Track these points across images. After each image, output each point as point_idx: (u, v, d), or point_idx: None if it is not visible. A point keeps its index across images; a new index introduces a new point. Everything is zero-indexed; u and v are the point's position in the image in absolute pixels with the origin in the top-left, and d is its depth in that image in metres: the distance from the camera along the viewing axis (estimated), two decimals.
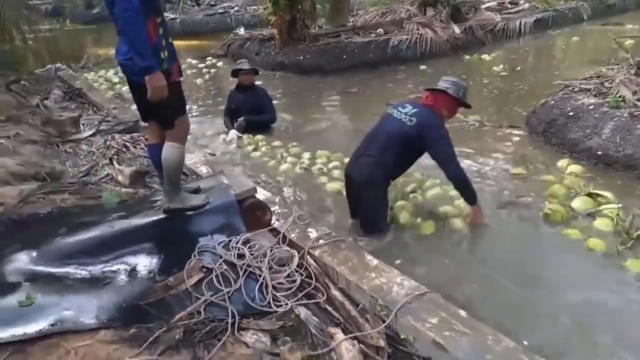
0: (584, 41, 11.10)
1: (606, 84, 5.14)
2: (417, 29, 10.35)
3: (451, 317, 2.30)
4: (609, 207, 3.55)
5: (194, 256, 2.67)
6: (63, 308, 2.22)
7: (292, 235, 3.05)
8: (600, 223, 3.48)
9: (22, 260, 2.54)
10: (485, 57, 9.57)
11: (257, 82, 6.25)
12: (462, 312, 2.34)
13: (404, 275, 2.64)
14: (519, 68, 8.77)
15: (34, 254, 2.60)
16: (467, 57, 9.78)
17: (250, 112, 6.01)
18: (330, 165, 4.86)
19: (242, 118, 5.96)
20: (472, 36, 10.86)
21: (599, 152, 4.34)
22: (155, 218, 2.89)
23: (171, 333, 2.15)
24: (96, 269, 2.54)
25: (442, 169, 3.42)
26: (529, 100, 6.07)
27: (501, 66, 8.70)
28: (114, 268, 2.55)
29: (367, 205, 3.50)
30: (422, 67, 9.22)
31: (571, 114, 4.79)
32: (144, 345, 2.06)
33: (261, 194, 3.58)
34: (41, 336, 2.04)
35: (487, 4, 12.90)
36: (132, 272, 2.55)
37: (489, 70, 8.67)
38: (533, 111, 5.39)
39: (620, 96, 4.71)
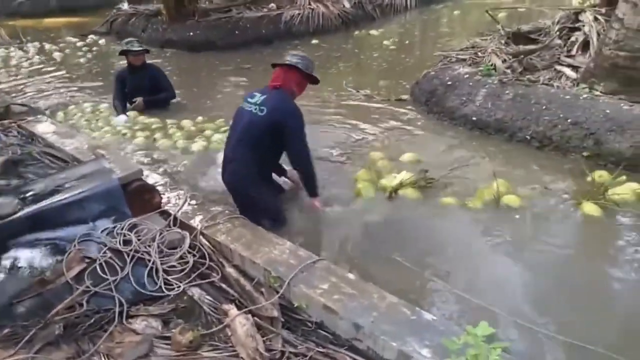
0: (465, 14, 11.83)
1: (479, 53, 5.55)
2: (309, 4, 10.38)
3: (340, 281, 2.40)
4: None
5: (74, 246, 2.52)
6: None
7: (185, 216, 2.99)
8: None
9: None
10: (374, 32, 9.87)
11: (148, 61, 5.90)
12: (351, 275, 2.46)
13: (297, 246, 2.71)
14: (407, 42, 9.17)
15: None
16: (356, 32, 10.01)
17: (147, 92, 5.70)
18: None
19: (140, 98, 5.65)
20: (362, 11, 11.11)
21: (474, 118, 4.70)
22: (29, 210, 2.66)
23: (49, 329, 2.03)
24: None
25: (292, 160, 3.34)
26: (416, 73, 6.38)
27: (390, 40, 9.03)
28: None
29: (257, 210, 3.29)
30: (314, 41, 9.30)
31: (449, 83, 5.11)
32: (19, 344, 1.91)
33: (151, 177, 3.45)
34: None
35: None
36: (4, 269, 2.34)
37: (379, 44, 8.95)
38: (416, 82, 5.68)
39: (491, 64, 5.10)
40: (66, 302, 2.18)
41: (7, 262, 2.40)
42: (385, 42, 8.94)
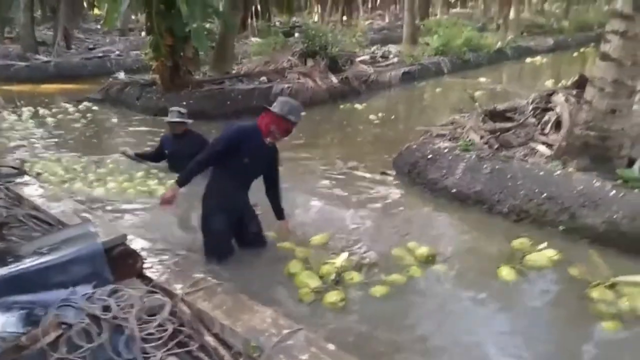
0: (445, 92, 12.46)
1: (459, 129, 5.82)
2: (299, 78, 10.88)
3: (321, 352, 2.40)
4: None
5: (52, 311, 2.49)
6: None
7: (167, 282, 2.99)
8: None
9: None
10: (358, 106, 10.33)
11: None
12: (331, 346, 2.45)
13: (278, 314, 2.71)
14: (391, 116, 9.56)
15: None
16: (341, 105, 10.45)
17: (187, 158, 5.78)
18: None
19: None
20: (348, 86, 11.66)
21: (454, 190, 4.86)
22: (7, 272, 2.65)
23: None
24: None
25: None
26: (399, 146, 6.64)
27: (374, 115, 9.42)
28: None
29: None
30: (302, 113, 9.61)
31: (430, 156, 5.33)
32: None
33: (135, 241, 3.47)
34: None
35: (362, 57, 13.96)
36: None
37: (364, 117, 9.33)
38: (399, 154, 5.90)
39: (469, 140, 5.35)
40: None
41: None
42: (370, 117, 9.31)
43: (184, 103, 9.38)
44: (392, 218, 4.68)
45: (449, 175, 5.00)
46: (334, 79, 11.43)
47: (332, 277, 3.53)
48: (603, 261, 3.60)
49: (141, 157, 6.20)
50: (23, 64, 15.08)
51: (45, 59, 15.75)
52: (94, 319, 2.55)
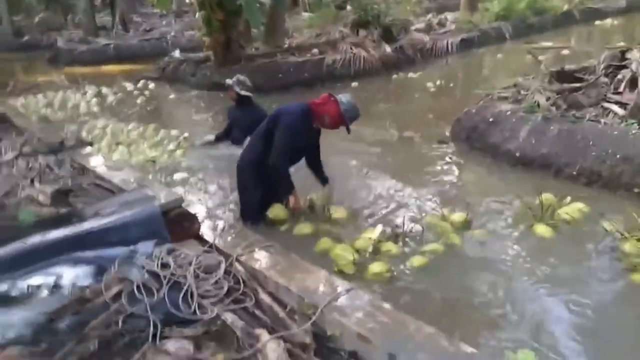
0: (507, 58, 11.82)
1: (522, 92, 5.48)
2: (351, 49, 10.65)
3: (376, 311, 2.34)
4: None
5: (113, 267, 2.57)
6: None
7: (222, 243, 3.02)
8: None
9: None
10: (412, 75, 9.98)
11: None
12: (386, 305, 2.38)
13: (331, 275, 2.67)
14: (448, 84, 9.19)
15: None
16: (394, 75, 10.15)
17: (245, 129, 5.69)
18: None
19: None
20: (402, 55, 11.31)
21: (517, 154, 4.60)
22: (73, 232, 2.76)
23: (84, 345, 2.05)
24: (6, 286, 2.39)
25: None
26: (457, 113, 6.37)
27: (431, 83, 9.09)
28: (26, 284, 2.41)
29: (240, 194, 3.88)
30: (354, 84, 9.50)
31: (491, 120, 5.06)
32: (55, 358, 1.94)
33: (192, 206, 3.53)
34: None
35: (417, 26, 13.48)
36: (46, 287, 2.42)
37: (420, 86, 9.03)
38: (457, 119, 5.65)
39: (534, 101, 5.03)
40: (101, 318, 2.20)
41: (51, 279, 2.47)
42: (427, 84, 9.00)
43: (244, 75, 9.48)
44: (438, 185, 4.50)
45: (512, 138, 4.73)
46: (388, 48, 11.11)
47: (369, 249, 3.40)
48: None
49: (217, 140, 6.07)
50: (85, 47, 15.75)
51: (105, 42, 16.36)
52: (154, 275, 2.61)
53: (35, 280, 2.47)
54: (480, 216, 3.81)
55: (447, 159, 5.12)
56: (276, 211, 3.75)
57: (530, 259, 3.30)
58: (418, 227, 3.61)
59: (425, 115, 7.18)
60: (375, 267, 3.16)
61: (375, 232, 3.47)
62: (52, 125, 6.72)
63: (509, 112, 5.05)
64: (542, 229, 3.53)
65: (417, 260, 3.26)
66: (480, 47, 13.09)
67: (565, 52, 10.11)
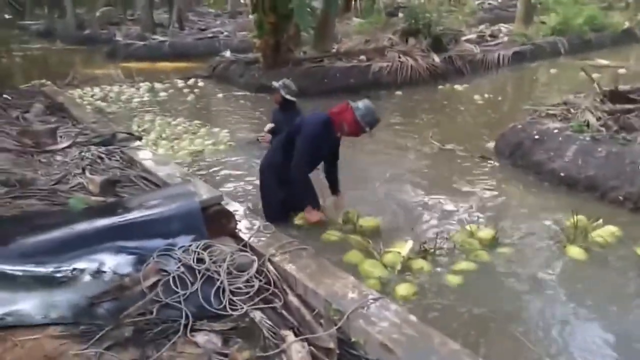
0: (561, 73, 11.48)
1: (572, 110, 5.33)
2: (399, 57, 10.63)
3: (401, 322, 2.34)
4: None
5: (152, 259, 2.69)
6: (14, 304, 2.23)
7: (256, 243, 3.10)
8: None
9: None
10: (458, 87, 9.85)
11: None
12: (412, 317, 2.39)
13: (359, 282, 2.69)
14: (497, 98, 9.02)
15: None
16: (441, 86, 10.04)
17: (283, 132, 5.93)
18: None
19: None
20: (451, 66, 11.17)
21: (562, 174, 4.48)
22: (116, 221, 2.91)
23: (120, 331, 2.16)
24: (53, 268, 2.54)
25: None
26: (501, 128, 6.26)
27: (478, 95, 8.94)
28: (71, 268, 2.56)
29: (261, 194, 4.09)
30: (398, 92, 9.47)
31: (537, 137, 4.95)
32: (91, 341, 2.06)
33: (231, 204, 3.63)
34: None
35: (468, 36, 13.30)
36: (89, 272, 2.56)
37: (466, 99, 8.91)
38: (502, 134, 5.55)
39: (584, 121, 4.88)
40: (137, 306, 2.32)
41: (94, 265, 2.61)
42: (475, 97, 8.86)
43: (289, 79, 9.64)
44: (473, 201, 4.41)
45: (557, 157, 4.61)
46: (436, 58, 11.01)
47: (399, 267, 3.37)
48: None
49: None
50: (141, 43, 16.40)
51: (161, 39, 17.00)
52: (189, 269, 2.72)
53: (80, 264, 2.61)
54: (512, 234, 3.76)
55: (487, 174, 5.04)
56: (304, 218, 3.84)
57: (559, 280, 3.26)
58: (448, 244, 3.58)
59: (469, 129, 7.08)
60: (402, 290, 3.14)
61: (406, 248, 3.44)
62: (106, 118, 7.02)
63: (556, 130, 4.92)
64: (574, 251, 3.50)
65: (452, 280, 3.24)
66: (533, 61, 12.78)
67: (622, 71, 9.74)
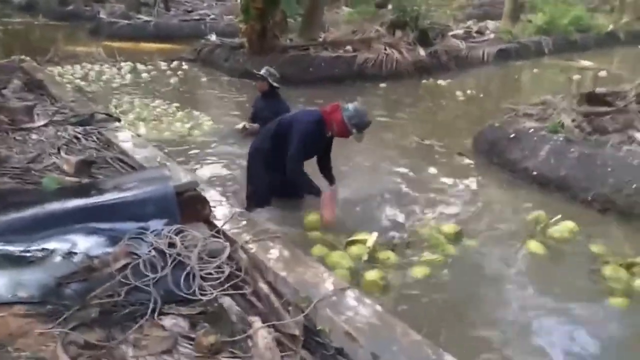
0: (543, 73, 11.63)
1: (549, 110, 5.44)
2: (385, 49, 10.64)
3: (366, 311, 2.40)
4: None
5: (123, 241, 2.69)
6: None
7: (230, 230, 3.12)
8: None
9: None
10: (441, 82, 9.93)
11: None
12: (378, 307, 2.44)
13: (330, 272, 2.74)
14: (478, 94, 9.12)
15: None
16: (424, 80, 10.10)
17: (267, 120, 5.87)
18: None
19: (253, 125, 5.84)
20: (437, 60, 11.23)
21: (535, 173, 4.58)
22: (89, 202, 2.90)
23: (86, 311, 2.17)
24: (22, 247, 2.54)
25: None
26: (480, 125, 6.34)
27: (460, 92, 9.01)
28: (40, 247, 2.55)
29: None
30: (383, 85, 9.51)
31: (513, 135, 5.04)
32: (57, 320, 2.07)
33: (206, 190, 3.63)
34: None
35: (455, 32, 13.35)
36: (58, 252, 2.55)
37: (449, 94, 8.98)
38: (480, 132, 5.64)
39: (559, 122, 4.98)
40: (103, 288, 2.33)
41: (65, 246, 2.60)
42: (457, 93, 8.93)
43: (273, 66, 9.60)
44: (443, 195, 4.52)
45: (531, 157, 4.71)
46: (422, 52, 11.06)
47: (365, 257, 3.44)
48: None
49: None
50: (125, 22, 16.10)
51: (146, 18, 16.70)
52: (160, 253, 2.73)
53: (50, 244, 2.61)
54: (478, 229, 3.90)
55: (463, 171, 5.13)
56: (311, 218, 3.84)
57: (518, 272, 3.43)
58: (414, 236, 3.67)
59: (449, 125, 7.18)
60: (371, 275, 3.20)
61: (371, 240, 3.49)
62: (85, 97, 6.91)
63: (532, 130, 5.02)
64: (533, 246, 3.64)
65: (418, 271, 3.31)
66: (517, 59, 12.90)
67: (603, 73, 9.90)
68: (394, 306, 2.98)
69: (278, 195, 4.14)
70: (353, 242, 3.57)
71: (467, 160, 5.42)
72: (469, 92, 9.03)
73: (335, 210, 3.78)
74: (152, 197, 3.04)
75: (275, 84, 5.77)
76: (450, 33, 12.97)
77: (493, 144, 5.22)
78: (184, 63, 11.00)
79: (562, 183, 4.40)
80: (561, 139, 4.71)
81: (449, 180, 4.78)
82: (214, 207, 3.39)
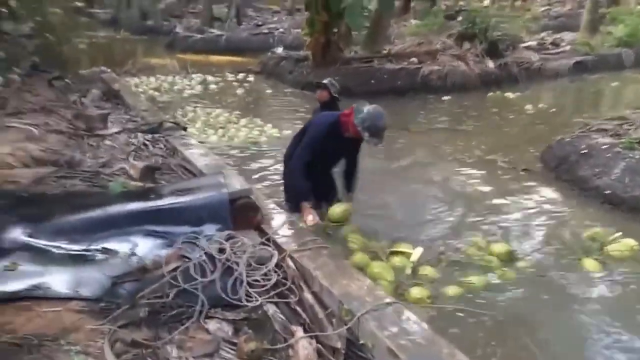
0: (622, 88, 10.90)
1: (625, 126, 5.07)
2: (451, 61, 10.42)
3: (412, 328, 2.32)
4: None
5: (176, 245, 2.78)
6: (42, 277, 2.37)
7: (280, 238, 3.14)
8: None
9: (19, 232, 2.71)
10: (510, 95, 9.52)
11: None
12: (424, 325, 2.35)
13: (376, 285, 2.68)
14: (553, 110, 8.65)
15: (32, 227, 2.77)
16: (490, 93, 9.74)
17: None
18: None
19: None
20: (506, 72, 10.85)
21: (607, 192, 4.27)
22: (147, 206, 3.03)
23: (136, 311, 2.25)
24: (83, 246, 2.68)
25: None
26: (550, 141, 6.01)
27: (530, 105, 8.60)
28: (99, 247, 2.69)
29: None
30: (447, 97, 9.29)
31: (584, 151, 4.74)
32: (107, 318, 2.16)
33: (260, 199, 3.69)
34: (16, 299, 2.18)
35: (527, 43, 12.85)
36: (115, 252, 2.68)
37: (516, 108, 8.62)
38: (549, 146, 5.35)
39: (636, 138, 4.63)
40: (152, 289, 2.41)
41: (122, 246, 2.73)
42: (526, 107, 8.54)
43: (336, 78, 9.68)
44: (503, 213, 4.30)
45: (603, 174, 4.40)
46: (490, 64, 10.73)
47: (408, 271, 3.32)
48: None
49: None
50: (199, 36, 16.91)
51: (218, 32, 17.43)
52: (210, 257, 2.80)
53: (109, 245, 2.74)
54: (533, 249, 3.70)
55: (525, 188, 4.87)
56: (335, 211, 3.81)
57: (572, 293, 3.25)
58: (460, 254, 3.52)
59: (516, 139, 6.86)
60: (416, 293, 3.11)
61: (416, 254, 3.38)
62: (156, 106, 7.30)
63: (605, 146, 4.70)
64: (589, 264, 3.44)
65: (452, 290, 3.19)
66: (594, 72, 12.18)
67: None
68: (440, 325, 2.86)
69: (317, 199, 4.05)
70: (395, 253, 3.49)
71: (532, 176, 5.14)
72: (540, 105, 8.61)
73: (316, 219, 3.63)
74: (206, 203, 3.13)
75: (335, 95, 5.80)
76: (522, 45, 12.49)
77: (562, 160, 4.93)
78: (250, 75, 11.34)
79: (637, 203, 4.07)
80: (637, 156, 4.36)
81: (507, 198, 4.55)
82: (266, 215, 3.44)
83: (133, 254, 2.74)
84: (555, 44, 13.64)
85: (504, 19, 12.64)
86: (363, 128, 3.46)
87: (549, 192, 4.73)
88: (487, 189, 4.73)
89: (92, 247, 2.69)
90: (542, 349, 2.69)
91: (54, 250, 2.62)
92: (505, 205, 4.37)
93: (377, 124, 3.47)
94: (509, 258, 3.48)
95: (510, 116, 7.99)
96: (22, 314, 2.11)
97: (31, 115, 5.46)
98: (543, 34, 15.17)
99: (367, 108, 3.50)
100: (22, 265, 2.44)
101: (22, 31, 12.62)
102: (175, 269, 2.64)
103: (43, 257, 2.55)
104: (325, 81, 5.81)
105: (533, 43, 13.18)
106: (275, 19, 22.86)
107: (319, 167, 3.90)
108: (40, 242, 2.66)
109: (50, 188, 3.57)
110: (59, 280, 2.39)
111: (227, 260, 2.79)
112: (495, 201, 4.47)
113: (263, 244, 3.04)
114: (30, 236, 2.70)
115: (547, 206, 4.35)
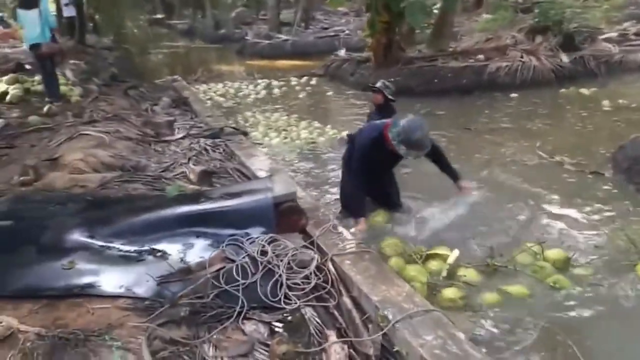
0: None
1: None
2: (521, 57, 9.94)
3: (448, 338, 2.26)
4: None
5: (221, 247, 2.89)
6: (96, 276, 2.56)
7: (322, 241, 3.17)
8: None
9: (79, 233, 2.95)
10: (584, 91, 8.88)
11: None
12: (461, 335, 2.28)
13: (415, 292, 2.63)
14: (633, 105, 7.96)
15: (91, 228, 3.00)
16: (563, 89, 9.16)
17: None
18: None
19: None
20: (582, 67, 10.17)
21: None
22: (197, 209, 3.18)
23: (177, 309, 2.37)
24: (136, 247, 2.86)
25: None
26: (625, 140, 5.57)
27: (607, 101, 7.99)
28: (150, 248, 2.85)
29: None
30: (513, 95, 8.86)
31: None
32: (150, 316, 2.29)
33: (305, 201, 3.74)
34: (70, 295, 2.37)
35: (607, 35, 11.97)
36: (164, 253, 2.83)
37: (591, 105, 8.05)
38: (620, 147, 4.95)
39: None
40: (191, 289, 2.52)
41: (171, 247, 2.89)
42: (603, 102, 7.95)
43: (391, 79, 9.54)
44: (565, 219, 4.00)
45: None
46: (564, 58, 10.10)
47: (444, 274, 3.22)
48: None
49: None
50: (266, 42, 17.36)
51: (285, 37, 17.80)
52: (252, 259, 2.88)
53: (159, 246, 2.91)
54: (592, 258, 3.42)
55: (592, 191, 4.52)
56: (377, 217, 3.89)
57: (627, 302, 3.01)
58: (509, 260, 3.34)
59: (587, 139, 6.39)
60: (450, 293, 3.02)
61: (452, 257, 3.27)
62: (220, 112, 7.59)
63: None
64: None
65: (490, 297, 3.04)
66: None
67: None
68: (477, 333, 2.76)
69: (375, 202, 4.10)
70: (433, 256, 3.40)
71: (600, 180, 4.78)
72: (619, 101, 7.97)
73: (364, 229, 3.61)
74: (251, 207, 3.23)
75: (390, 97, 5.72)
76: (602, 36, 11.66)
77: (635, 161, 4.55)
78: (313, 78, 11.48)
79: None
80: None
81: (569, 202, 4.24)
82: (311, 218, 3.47)
83: (180, 255, 2.89)
84: (639, 35, 12.59)
85: (582, 10, 11.83)
86: (398, 142, 3.37)
87: (615, 197, 4.37)
88: (548, 192, 4.45)
89: (143, 248, 2.86)
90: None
91: (109, 251, 2.82)
92: (566, 210, 4.10)
93: (412, 137, 3.34)
94: (565, 265, 3.27)
95: (583, 114, 7.47)
96: (74, 309, 2.30)
97: (104, 123, 5.91)
98: (626, 24, 14.03)
99: (403, 121, 3.40)
100: (79, 264, 2.65)
101: (103, 44, 13.70)
102: (218, 270, 2.75)
103: (99, 256, 2.76)
104: (378, 84, 5.75)
105: (614, 34, 12.24)
106: (343, 21, 22.93)
107: (378, 171, 3.88)
108: (97, 243, 2.87)
109: (114, 192, 3.84)
110: (111, 278, 2.57)
111: (269, 262, 2.85)
112: (556, 206, 4.20)
113: (305, 247, 3.09)
114: (90, 237, 2.92)
115: (611, 213, 4.03)
